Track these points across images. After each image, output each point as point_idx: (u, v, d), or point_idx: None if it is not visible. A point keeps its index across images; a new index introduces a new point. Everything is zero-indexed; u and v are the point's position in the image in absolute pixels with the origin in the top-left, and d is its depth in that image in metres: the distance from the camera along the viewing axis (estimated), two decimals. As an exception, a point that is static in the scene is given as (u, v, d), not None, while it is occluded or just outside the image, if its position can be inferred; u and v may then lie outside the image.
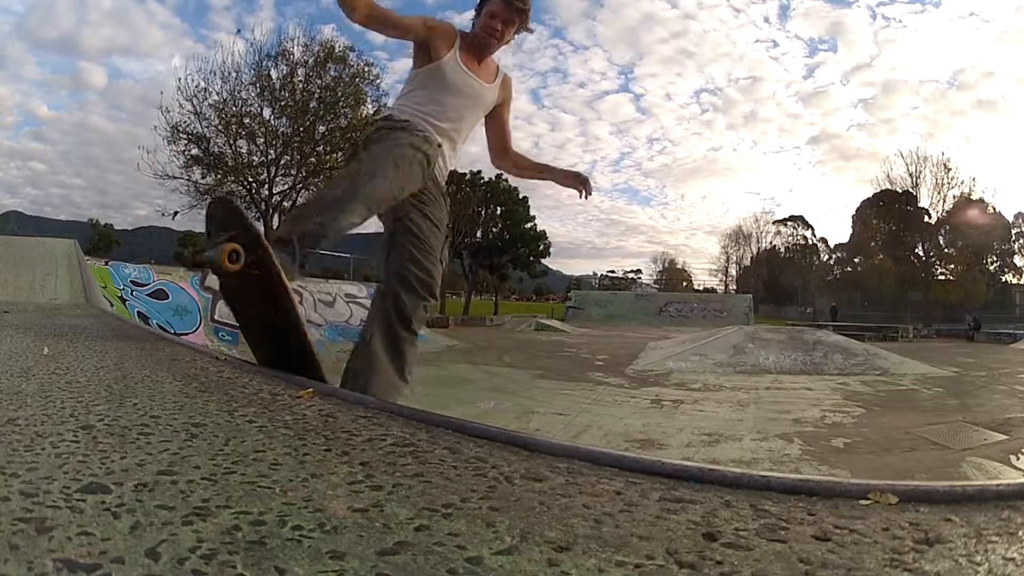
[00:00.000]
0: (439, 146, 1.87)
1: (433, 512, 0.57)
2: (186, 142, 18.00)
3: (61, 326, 2.49)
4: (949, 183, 35.09)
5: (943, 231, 35.44)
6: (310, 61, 19.19)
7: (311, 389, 1.17)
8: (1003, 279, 37.28)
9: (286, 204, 20.22)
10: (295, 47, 19.16)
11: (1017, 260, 37.15)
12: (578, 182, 2.20)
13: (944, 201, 35.18)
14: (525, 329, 20.71)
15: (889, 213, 36.59)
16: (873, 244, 38.56)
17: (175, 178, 18.07)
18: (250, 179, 19.11)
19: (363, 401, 1.11)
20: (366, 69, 19.81)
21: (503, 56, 2.09)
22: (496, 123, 2.14)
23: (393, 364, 1.77)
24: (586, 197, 2.22)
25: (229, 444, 0.78)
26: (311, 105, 19.18)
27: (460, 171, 32.32)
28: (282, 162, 19.36)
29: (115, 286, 8.55)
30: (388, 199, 1.72)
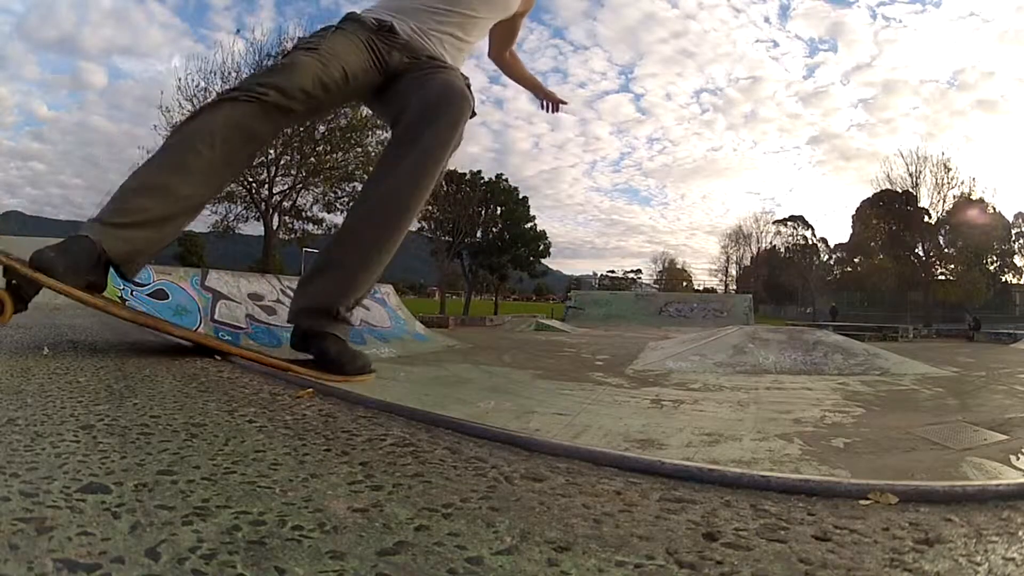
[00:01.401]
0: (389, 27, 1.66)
1: (433, 512, 0.57)
2: (186, 142, 18.01)
3: (61, 326, 2.49)
4: (949, 183, 35.09)
5: (943, 231, 35.43)
6: (310, 61, 19.20)
7: (311, 389, 1.17)
8: (1003, 279, 37.26)
9: (286, 204, 20.24)
10: (295, 47, 19.19)
11: (1017, 260, 37.16)
12: (549, 98, 2.32)
13: (944, 201, 35.17)
14: (525, 329, 20.71)
15: (889, 213, 36.59)
16: (873, 244, 38.56)
17: (175, 178, 18.08)
18: (250, 179, 19.13)
19: (363, 401, 1.11)
20: (366, 69, 19.83)
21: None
22: (509, 27, 2.04)
23: None
24: (551, 111, 2.33)
25: (229, 444, 0.78)
26: (311, 105, 19.20)
27: (460, 171, 32.35)
28: (282, 162, 19.38)
29: (115, 286, 8.54)
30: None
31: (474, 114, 1.69)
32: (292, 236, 21.58)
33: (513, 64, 2.26)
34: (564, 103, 2.34)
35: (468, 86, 1.71)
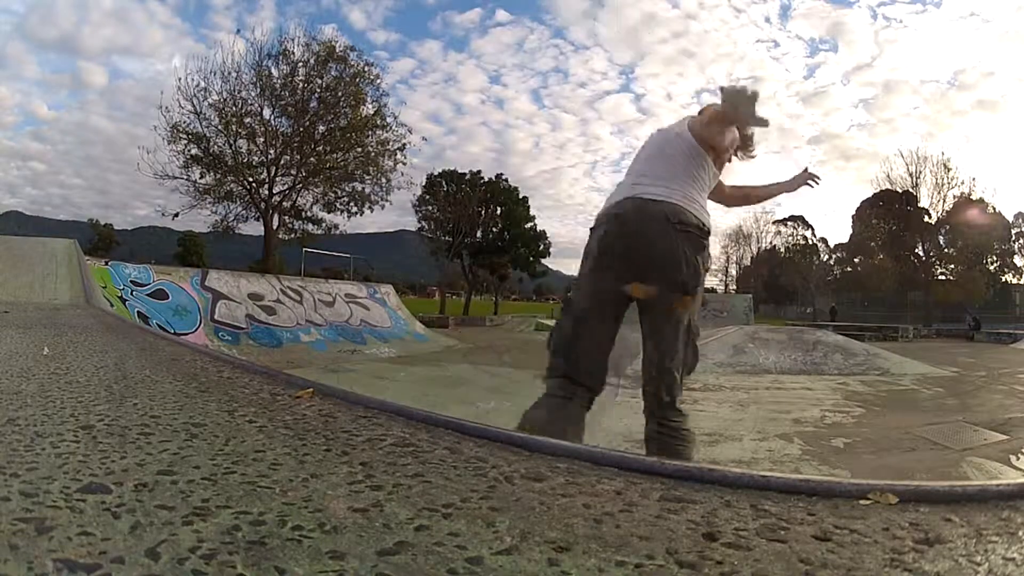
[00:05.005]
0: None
1: (433, 512, 0.57)
2: (186, 142, 18.03)
3: (61, 326, 2.49)
4: (949, 183, 35.05)
5: (943, 231, 35.40)
6: (311, 61, 19.20)
7: (311, 389, 1.17)
8: (1003, 279, 37.21)
9: (286, 204, 20.22)
10: (296, 47, 19.17)
11: (1017, 260, 37.12)
12: (805, 179, 2.13)
13: (944, 201, 35.14)
14: (525, 329, 20.69)
15: (889, 213, 36.56)
16: (873, 244, 38.53)
17: (175, 178, 18.10)
18: (250, 179, 19.12)
19: (363, 401, 1.11)
20: (367, 69, 19.83)
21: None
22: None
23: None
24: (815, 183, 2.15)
25: (229, 444, 0.78)
26: (311, 105, 19.20)
27: (460, 171, 32.35)
28: (282, 162, 19.37)
29: (115, 286, 8.55)
30: None
31: None
32: (292, 236, 21.55)
33: (740, 192, 2.16)
34: (816, 179, 2.15)
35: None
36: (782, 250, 49.27)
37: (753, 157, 2.01)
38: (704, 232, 1.70)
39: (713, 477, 0.69)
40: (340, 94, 19.31)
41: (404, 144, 20.32)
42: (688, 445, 1.73)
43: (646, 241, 1.64)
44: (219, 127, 18.31)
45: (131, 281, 8.98)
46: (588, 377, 1.77)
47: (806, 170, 2.14)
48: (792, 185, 2.15)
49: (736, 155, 1.95)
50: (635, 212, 1.67)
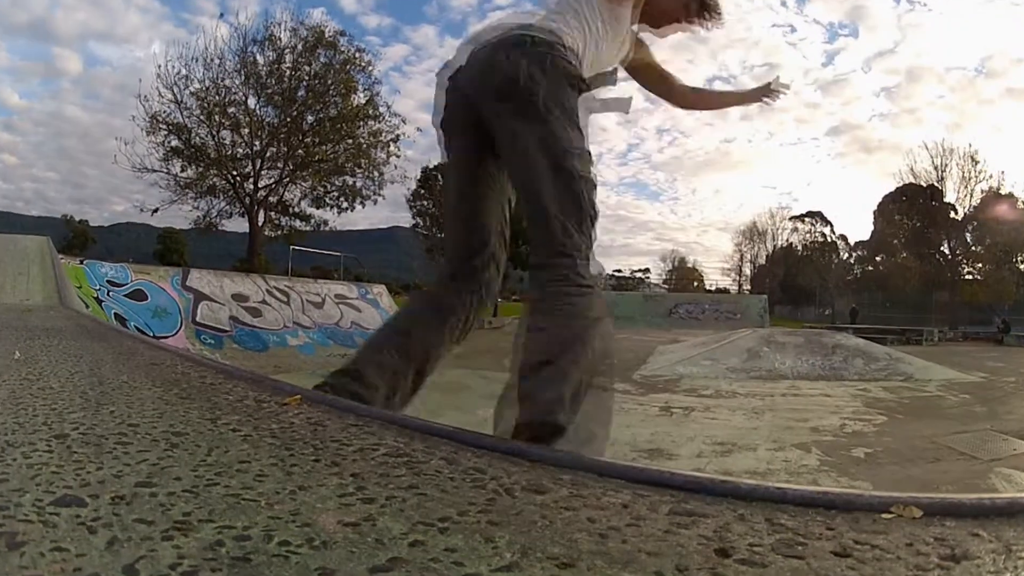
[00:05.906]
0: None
1: (428, 526, 0.57)
2: (166, 133, 18.05)
3: (33, 328, 2.50)
4: (977, 177, 35.06)
5: (970, 228, 35.41)
6: (298, 47, 19.21)
7: (298, 396, 1.17)
8: (1034, 279, 37.24)
9: (272, 199, 20.23)
10: (282, 32, 19.19)
11: (1049, 258, 37.11)
12: (764, 93, 1.99)
13: (971, 196, 35.14)
14: (526, 332, 20.66)
15: (913, 209, 36.59)
16: (896, 242, 38.56)
17: (154, 171, 18.14)
18: (234, 172, 19.14)
19: (354, 409, 1.11)
20: (358, 55, 19.87)
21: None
22: (644, 66, 1.88)
23: None
24: (774, 99, 2.00)
25: (212, 454, 0.78)
26: (299, 93, 19.21)
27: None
28: (268, 154, 19.39)
29: (91, 286, 8.56)
30: None
31: None
32: (279, 233, 21.57)
33: (694, 94, 2.03)
34: (784, 88, 1.98)
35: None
36: (799, 248, 49.38)
37: (720, 21, 1.80)
38: (542, 41, 1.44)
39: (725, 489, 0.69)
40: (329, 82, 19.32)
41: (398, 135, 20.35)
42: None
43: (479, 72, 1.45)
44: (201, 117, 18.34)
45: (108, 281, 8.98)
46: (464, 263, 1.57)
47: (770, 84, 1.99)
48: (752, 97, 2.03)
49: (700, 21, 1.77)
50: (472, 55, 1.50)
